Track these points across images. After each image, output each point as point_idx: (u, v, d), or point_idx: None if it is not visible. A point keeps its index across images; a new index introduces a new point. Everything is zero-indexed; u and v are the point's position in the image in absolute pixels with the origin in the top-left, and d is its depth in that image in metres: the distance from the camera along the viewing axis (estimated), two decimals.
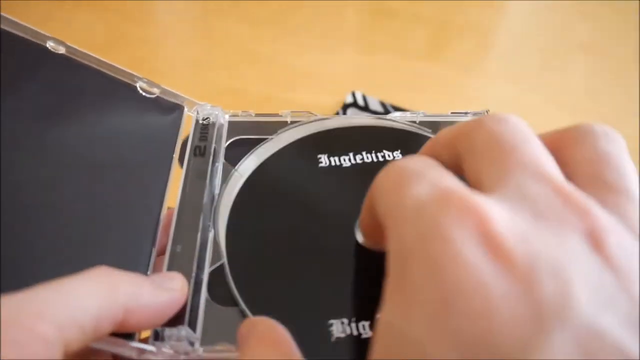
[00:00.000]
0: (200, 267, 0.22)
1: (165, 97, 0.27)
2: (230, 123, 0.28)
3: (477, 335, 0.11)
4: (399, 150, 0.26)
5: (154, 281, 0.19)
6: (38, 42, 0.24)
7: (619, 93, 0.56)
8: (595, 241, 0.12)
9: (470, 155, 0.16)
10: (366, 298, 0.21)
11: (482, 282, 0.12)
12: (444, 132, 0.17)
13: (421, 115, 0.28)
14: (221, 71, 0.57)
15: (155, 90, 0.27)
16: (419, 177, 0.14)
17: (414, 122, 0.28)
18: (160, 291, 0.19)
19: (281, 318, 0.19)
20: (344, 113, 0.52)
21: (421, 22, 0.64)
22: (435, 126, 0.27)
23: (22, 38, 0.23)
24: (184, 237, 0.23)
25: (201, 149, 0.26)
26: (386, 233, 0.14)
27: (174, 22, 0.65)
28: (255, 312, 0.21)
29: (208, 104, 0.28)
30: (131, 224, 0.23)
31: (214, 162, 0.26)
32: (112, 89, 0.26)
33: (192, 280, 0.21)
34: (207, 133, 0.27)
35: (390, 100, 0.53)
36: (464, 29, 0.64)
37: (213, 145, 0.27)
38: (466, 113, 0.28)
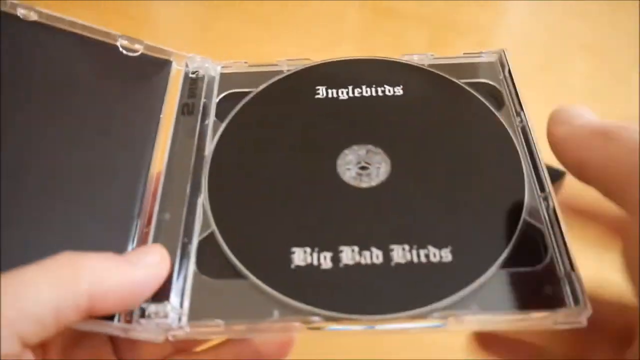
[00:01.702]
0: (188, 236, 0.21)
1: (150, 54, 0.26)
2: (222, 76, 0.26)
3: None
4: (401, 86, 0.25)
5: (127, 259, 0.18)
6: (8, 11, 0.23)
7: (619, 93, 0.56)
8: None
9: None
10: (332, 231, 0.21)
11: None
12: None
13: (429, 57, 0.27)
14: None
15: (138, 47, 0.25)
16: None
17: (423, 65, 0.27)
18: (133, 269, 0.18)
19: (250, 243, 0.20)
20: None
21: (421, 22, 0.64)
22: (447, 69, 0.26)
23: None
24: (172, 203, 0.22)
25: (189, 107, 0.25)
26: None
27: (174, 22, 0.65)
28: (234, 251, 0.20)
29: (198, 56, 0.26)
30: (116, 191, 0.22)
31: (203, 119, 0.24)
32: (92, 51, 0.24)
33: (179, 252, 0.20)
34: (196, 88, 0.26)
35: None
36: (464, 29, 0.64)
37: (202, 101, 0.25)
38: (480, 54, 0.27)
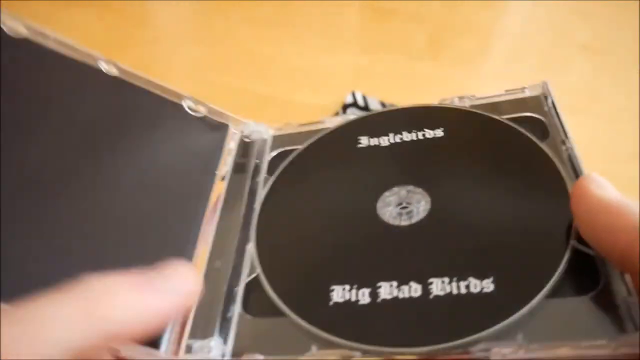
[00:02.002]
0: (235, 280, 0.22)
1: (211, 116, 0.28)
2: (274, 137, 0.28)
3: None
4: (441, 128, 0.26)
5: (152, 283, 0.17)
6: (91, 63, 0.24)
7: (619, 93, 0.56)
8: None
9: None
10: (371, 268, 0.21)
11: None
12: None
13: (471, 99, 0.27)
14: (221, 71, 0.57)
15: (202, 109, 0.27)
16: None
17: (464, 107, 0.27)
18: (160, 296, 0.17)
19: (292, 283, 0.21)
20: (344, 113, 0.52)
21: (421, 22, 0.64)
22: (489, 108, 0.26)
23: (75, 59, 0.24)
24: (222, 252, 0.23)
25: (242, 166, 0.27)
26: None
27: (174, 22, 0.65)
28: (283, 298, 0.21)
29: (252, 122, 0.29)
30: (171, 238, 0.23)
31: (254, 176, 0.27)
32: (160, 108, 0.26)
33: (224, 295, 0.22)
34: (249, 149, 0.28)
35: (390, 100, 0.53)
36: (464, 29, 0.64)
37: (253, 161, 0.27)
38: (523, 89, 0.27)
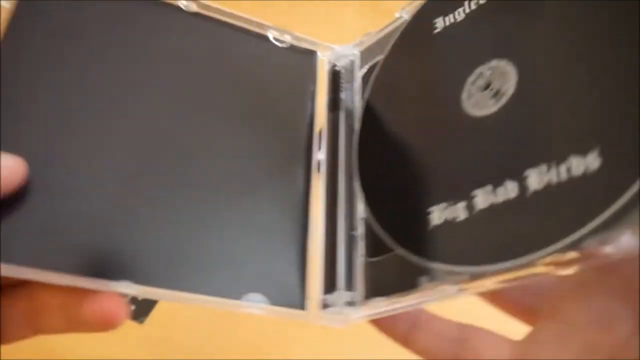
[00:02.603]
0: (352, 225, 0.22)
1: (298, 44, 0.27)
2: (361, 54, 0.26)
3: None
4: None
5: None
6: (171, 1, 0.24)
7: None
8: None
9: None
10: (463, 176, 0.19)
11: None
12: None
13: None
14: None
15: (287, 38, 0.26)
16: None
17: None
18: None
19: (396, 214, 0.20)
20: None
21: None
22: None
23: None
24: (335, 196, 0.22)
25: (335, 102, 0.25)
26: None
27: None
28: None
29: (338, 47, 0.27)
30: (281, 179, 0.23)
31: (349, 111, 0.25)
32: (245, 40, 0.25)
33: (345, 240, 0.21)
34: (339, 81, 0.26)
35: None
36: None
37: (344, 93, 0.25)
38: None
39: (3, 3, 0.21)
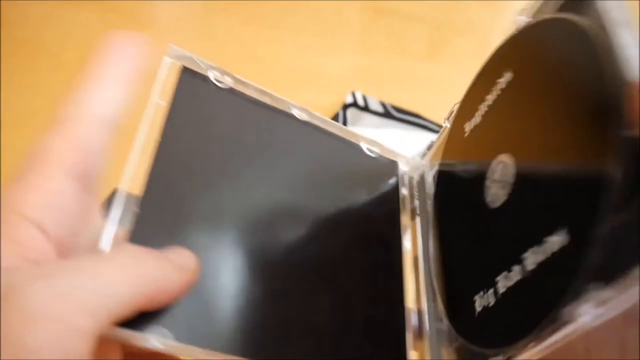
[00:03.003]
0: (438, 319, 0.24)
1: (384, 155, 0.29)
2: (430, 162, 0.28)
3: None
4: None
5: (172, 261, 0.18)
6: (284, 109, 0.26)
7: None
8: None
9: None
10: (490, 266, 0.20)
11: None
12: None
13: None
14: None
15: (376, 150, 0.28)
16: None
17: None
18: (179, 273, 0.18)
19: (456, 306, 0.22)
20: (344, 113, 0.52)
21: (421, 22, 0.64)
22: None
23: (270, 106, 0.26)
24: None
25: (415, 211, 0.27)
26: None
27: (174, 22, 0.65)
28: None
29: (416, 158, 0.29)
30: (376, 282, 0.24)
31: (426, 219, 0.27)
32: (341, 149, 0.27)
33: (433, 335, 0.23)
34: (416, 191, 0.28)
35: (390, 100, 0.53)
36: (464, 29, 0.64)
37: (419, 201, 0.27)
38: None
39: (158, 101, 0.22)
